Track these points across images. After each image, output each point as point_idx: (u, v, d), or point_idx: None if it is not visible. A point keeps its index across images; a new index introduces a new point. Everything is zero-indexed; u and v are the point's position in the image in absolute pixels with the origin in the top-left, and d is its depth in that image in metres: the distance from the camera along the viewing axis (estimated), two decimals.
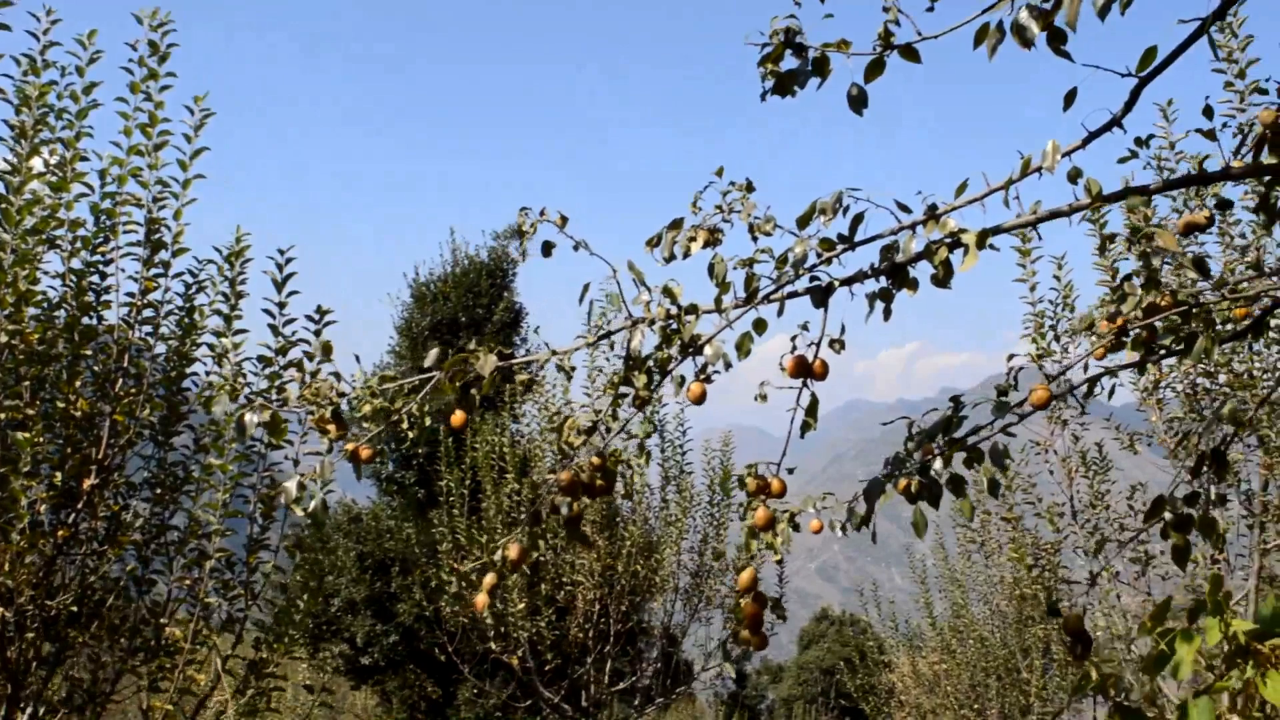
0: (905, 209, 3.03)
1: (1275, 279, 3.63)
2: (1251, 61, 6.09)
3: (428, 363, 3.23)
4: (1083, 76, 2.79)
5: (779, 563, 3.37)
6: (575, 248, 3.31)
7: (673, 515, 11.19)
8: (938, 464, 3.00)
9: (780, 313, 3.12)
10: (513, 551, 3.26)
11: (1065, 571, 9.10)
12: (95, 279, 6.28)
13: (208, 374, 6.65)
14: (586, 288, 3.47)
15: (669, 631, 11.86)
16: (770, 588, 4.43)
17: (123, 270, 6.36)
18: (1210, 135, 3.16)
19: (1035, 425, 7.98)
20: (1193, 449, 6.47)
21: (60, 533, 6.05)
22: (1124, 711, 2.50)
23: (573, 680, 11.12)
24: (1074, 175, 2.98)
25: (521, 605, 10.51)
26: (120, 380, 6.27)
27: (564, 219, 3.31)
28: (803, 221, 3.07)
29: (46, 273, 6.10)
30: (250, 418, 3.24)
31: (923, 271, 3.02)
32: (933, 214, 2.97)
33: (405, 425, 3.24)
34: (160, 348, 6.52)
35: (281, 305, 6.54)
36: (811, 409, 3.17)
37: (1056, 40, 2.70)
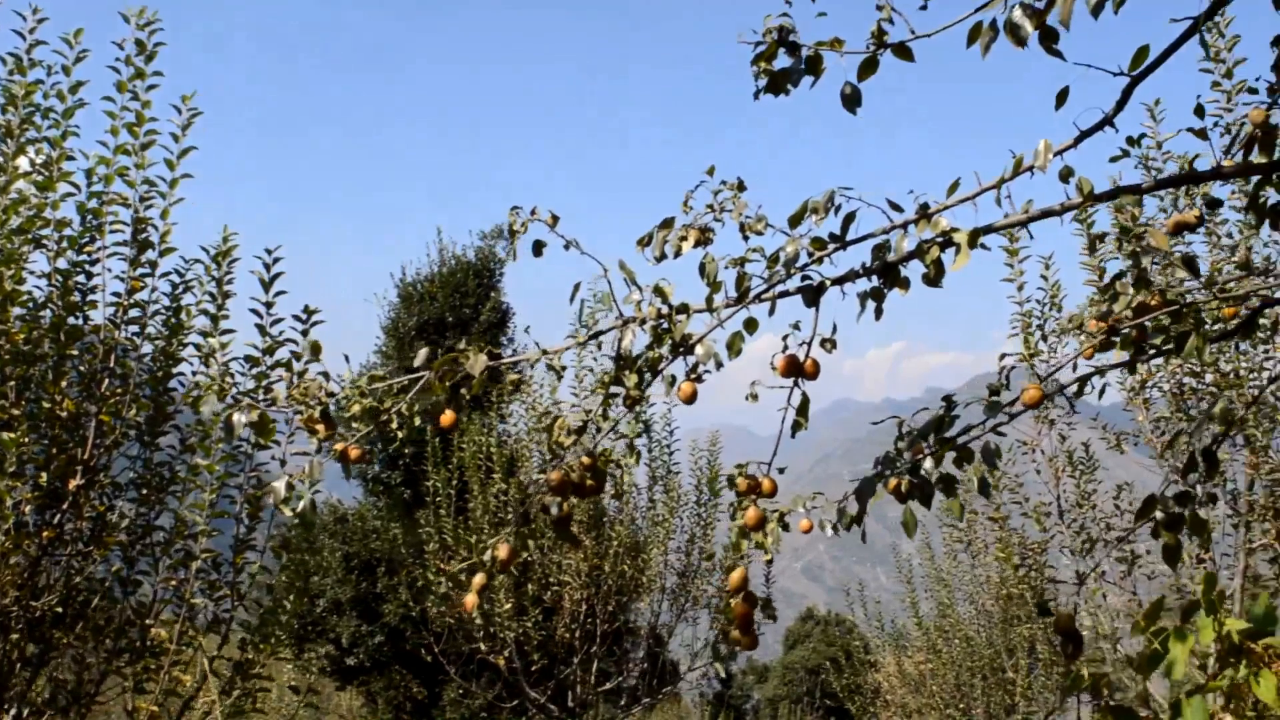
0: (897, 208, 3.03)
1: (1263, 278, 3.63)
2: (1238, 61, 6.12)
3: (417, 362, 3.22)
4: (1075, 76, 2.79)
5: (768, 562, 3.37)
6: (566, 247, 3.30)
7: (660, 515, 11.17)
8: (928, 463, 3.00)
9: (772, 312, 3.12)
10: (502, 552, 3.25)
11: (1052, 571, 9.13)
12: (81, 279, 6.24)
13: (194, 374, 6.62)
14: (577, 287, 3.46)
15: (655, 631, 11.86)
16: (757, 588, 4.42)
17: (109, 270, 6.32)
18: (1202, 134, 3.16)
19: (1022, 425, 8.00)
20: (1184, 448, 6.49)
21: (45, 533, 6.02)
22: (1117, 712, 2.50)
23: (559, 680, 11.11)
24: (1066, 174, 2.98)
25: (508, 605, 10.49)
26: (106, 380, 6.24)
27: (555, 218, 3.30)
28: (794, 220, 3.06)
29: (32, 272, 6.07)
30: (239, 418, 3.22)
31: (914, 271, 3.02)
32: (925, 213, 2.97)
33: (394, 425, 3.23)
34: (146, 348, 6.49)
35: (269, 305, 6.51)
36: (803, 408, 3.16)
37: (1048, 39, 2.70)
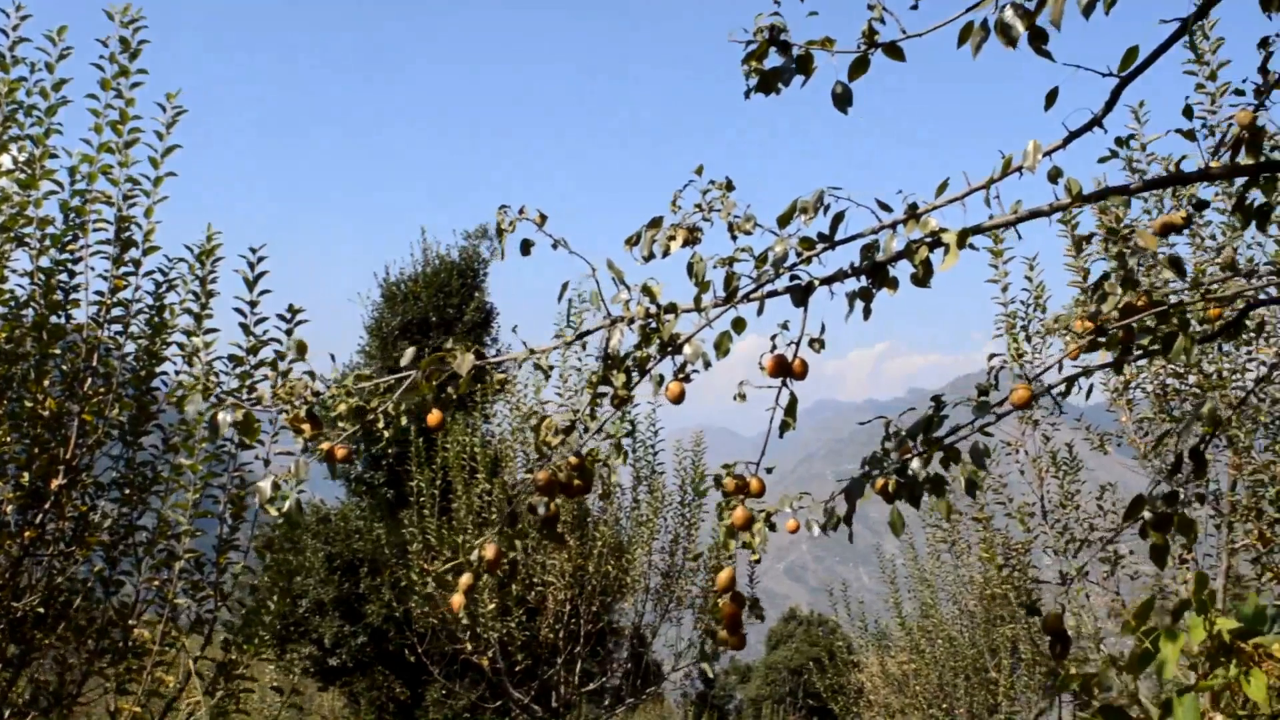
0: (886, 208, 3.03)
1: (1248, 280, 3.65)
2: (1223, 63, 6.15)
3: (404, 361, 3.21)
4: (1065, 76, 2.79)
5: (756, 562, 3.37)
6: (554, 245, 3.29)
7: (644, 515, 11.16)
8: (916, 463, 3.00)
9: (760, 312, 3.11)
10: (489, 552, 3.24)
11: (1035, 571, 9.16)
12: (64, 277, 6.20)
13: (177, 373, 6.59)
14: (565, 286, 3.46)
15: (639, 632, 11.85)
16: (741, 588, 4.42)
17: (92, 269, 6.29)
18: (1190, 136, 3.18)
19: (1006, 426, 8.02)
20: (1171, 449, 6.51)
21: (27, 533, 5.98)
22: (1107, 712, 2.51)
23: (543, 681, 11.09)
24: (1054, 175, 2.99)
25: (492, 606, 10.47)
26: (89, 379, 6.20)
27: (543, 217, 3.29)
28: (783, 220, 3.06)
29: (14, 270, 6.04)
30: (224, 417, 3.21)
31: (902, 271, 3.02)
32: (913, 213, 2.97)
33: (380, 425, 3.22)
34: (130, 347, 6.46)
35: (253, 304, 6.48)
36: (790, 409, 3.16)
37: (1038, 39, 2.71)
